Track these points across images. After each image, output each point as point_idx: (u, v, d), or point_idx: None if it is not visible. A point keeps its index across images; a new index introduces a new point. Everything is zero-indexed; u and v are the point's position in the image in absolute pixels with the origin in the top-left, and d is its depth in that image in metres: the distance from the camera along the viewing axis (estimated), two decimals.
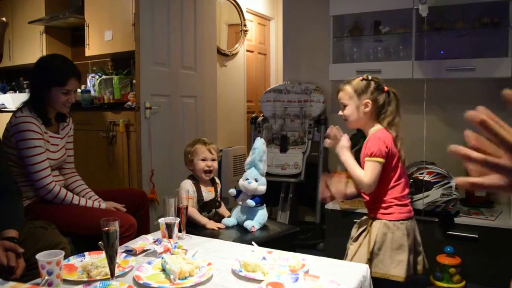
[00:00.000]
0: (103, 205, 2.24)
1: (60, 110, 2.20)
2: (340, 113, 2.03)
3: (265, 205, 2.21)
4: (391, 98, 1.98)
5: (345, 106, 2.01)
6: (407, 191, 1.99)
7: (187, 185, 2.26)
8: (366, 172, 1.89)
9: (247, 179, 2.15)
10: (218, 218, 2.30)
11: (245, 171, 2.20)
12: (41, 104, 2.12)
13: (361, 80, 1.99)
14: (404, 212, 1.95)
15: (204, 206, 2.30)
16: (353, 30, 3.40)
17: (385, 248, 1.91)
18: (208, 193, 2.32)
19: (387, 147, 1.89)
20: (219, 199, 2.39)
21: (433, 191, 2.67)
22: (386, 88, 1.99)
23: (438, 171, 2.73)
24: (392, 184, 1.94)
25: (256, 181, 2.14)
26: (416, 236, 1.99)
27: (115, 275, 1.37)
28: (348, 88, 2.00)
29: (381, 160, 1.88)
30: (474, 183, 0.60)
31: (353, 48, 3.45)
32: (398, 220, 1.92)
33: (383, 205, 1.94)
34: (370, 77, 2.00)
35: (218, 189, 2.39)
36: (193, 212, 2.17)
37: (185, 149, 2.38)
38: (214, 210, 2.35)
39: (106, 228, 1.34)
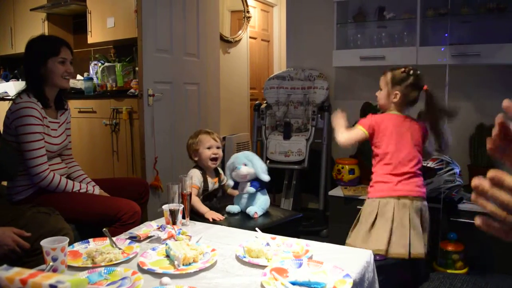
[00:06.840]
0: (97, 190, 2.24)
1: (60, 84, 2.17)
2: (377, 93, 2.19)
3: (266, 190, 2.22)
4: (428, 98, 2.04)
5: (380, 89, 2.15)
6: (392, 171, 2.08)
7: (196, 174, 2.27)
8: (348, 131, 2.12)
9: (236, 167, 2.16)
10: (220, 206, 2.31)
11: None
12: (38, 85, 2.11)
13: (402, 72, 2.03)
14: (385, 190, 2.06)
15: (207, 195, 2.31)
16: (357, 16, 3.36)
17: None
18: (213, 183, 2.33)
19: (375, 122, 2.07)
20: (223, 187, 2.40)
21: (436, 177, 2.66)
22: (425, 87, 2.03)
23: (441, 158, 2.72)
24: (377, 162, 2.12)
25: (245, 165, 2.15)
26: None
27: (120, 260, 1.37)
28: (388, 75, 2.12)
29: (362, 128, 2.10)
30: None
31: (357, 34, 3.41)
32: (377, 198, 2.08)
33: (370, 182, 2.14)
34: (412, 72, 2.04)
35: (221, 178, 2.39)
36: (195, 200, 2.17)
37: (188, 141, 2.37)
38: (215, 198, 2.36)
39: None
